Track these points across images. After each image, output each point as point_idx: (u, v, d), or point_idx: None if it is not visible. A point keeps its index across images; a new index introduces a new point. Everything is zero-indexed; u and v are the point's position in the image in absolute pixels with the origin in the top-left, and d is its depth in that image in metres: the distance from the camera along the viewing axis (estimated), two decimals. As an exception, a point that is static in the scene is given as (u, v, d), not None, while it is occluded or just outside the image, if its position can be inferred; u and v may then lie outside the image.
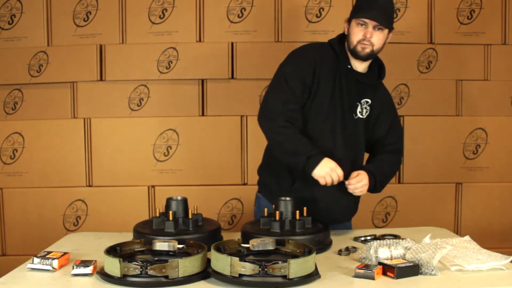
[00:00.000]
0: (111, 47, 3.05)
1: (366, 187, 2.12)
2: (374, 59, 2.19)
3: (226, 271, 1.54)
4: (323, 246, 1.94)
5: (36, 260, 1.69)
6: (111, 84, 3.07)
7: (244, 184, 3.06)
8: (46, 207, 3.02)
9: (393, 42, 3.09)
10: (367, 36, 2.07)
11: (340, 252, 1.90)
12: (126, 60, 3.05)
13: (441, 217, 3.07)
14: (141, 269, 1.55)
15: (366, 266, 1.65)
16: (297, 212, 1.96)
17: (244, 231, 1.96)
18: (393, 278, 1.61)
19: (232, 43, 3.06)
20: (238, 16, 3.08)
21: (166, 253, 1.67)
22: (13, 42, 3.07)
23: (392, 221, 3.09)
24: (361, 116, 2.19)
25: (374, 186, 2.16)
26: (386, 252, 1.73)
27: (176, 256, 1.63)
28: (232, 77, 3.07)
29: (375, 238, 2.10)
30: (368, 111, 2.20)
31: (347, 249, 1.91)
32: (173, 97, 3.08)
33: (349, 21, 2.15)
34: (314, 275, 1.59)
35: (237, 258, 1.53)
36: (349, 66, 2.16)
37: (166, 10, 3.07)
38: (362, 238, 2.10)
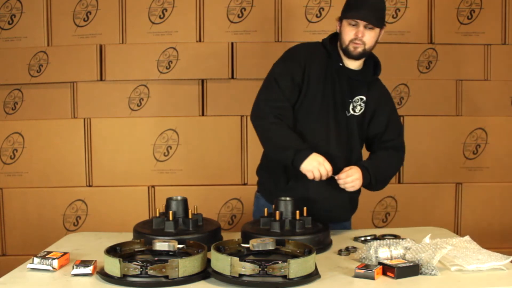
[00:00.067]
0: (111, 47, 3.05)
1: (358, 182, 2.10)
2: (369, 56, 2.19)
3: (226, 271, 1.54)
4: (323, 246, 1.94)
5: (36, 260, 1.69)
6: (111, 84, 3.07)
7: (244, 184, 3.06)
8: (46, 207, 3.02)
9: (393, 42, 3.10)
10: (359, 35, 2.08)
11: (340, 252, 1.90)
12: (126, 60, 3.05)
13: (441, 217, 3.07)
14: (141, 269, 1.55)
15: (366, 266, 1.65)
16: (297, 212, 1.96)
17: (244, 231, 1.96)
18: (393, 278, 1.61)
19: (232, 43, 3.06)
20: (238, 16, 3.08)
21: (166, 253, 1.67)
22: (13, 42, 3.07)
23: (392, 221, 3.09)
24: (354, 114, 2.18)
25: (370, 182, 2.14)
26: (386, 252, 1.73)
27: (176, 256, 1.63)
28: (232, 77, 3.07)
29: (375, 238, 2.10)
30: (363, 108, 2.19)
31: (347, 249, 1.91)
32: (173, 97, 3.08)
33: (340, 20, 2.15)
34: (314, 275, 1.59)
35: (237, 258, 1.53)
36: (340, 64, 2.16)
37: (166, 10, 3.07)
38: (362, 238, 2.10)
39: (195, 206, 2.01)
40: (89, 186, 3.05)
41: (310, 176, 2.05)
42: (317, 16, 3.08)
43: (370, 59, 2.23)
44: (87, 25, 3.07)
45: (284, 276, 1.53)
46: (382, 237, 2.11)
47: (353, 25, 2.09)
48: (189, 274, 1.58)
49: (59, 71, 3.04)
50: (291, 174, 2.15)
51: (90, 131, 3.04)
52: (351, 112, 2.18)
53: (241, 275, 1.53)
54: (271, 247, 1.66)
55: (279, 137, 2.09)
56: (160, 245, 1.67)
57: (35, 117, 3.06)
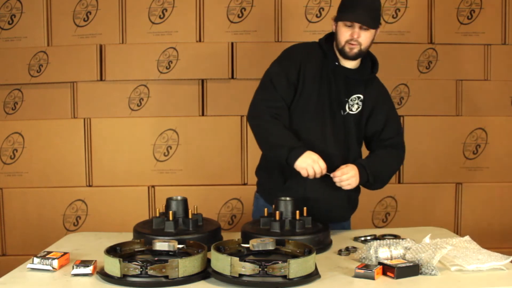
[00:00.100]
0: (111, 47, 3.05)
1: (354, 180, 2.09)
2: (366, 54, 2.19)
3: (226, 271, 1.54)
4: (323, 246, 1.94)
5: (36, 260, 1.69)
6: (111, 84, 3.07)
7: (244, 184, 3.06)
8: (46, 207, 3.02)
9: (393, 42, 3.10)
10: (354, 36, 2.08)
11: (340, 252, 1.90)
12: (126, 60, 3.05)
13: (441, 217, 3.07)
14: (141, 269, 1.55)
15: (366, 266, 1.65)
16: (297, 212, 1.96)
17: (244, 231, 1.96)
18: (393, 278, 1.61)
19: (232, 43, 3.06)
20: (238, 16, 3.08)
21: (166, 253, 1.67)
22: (13, 42, 3.07)
23: (392, 221, 3.09)
24: (351, 112, 2.18)
25: (367, 181, 2.14)
26: (386, 252, 1.73)
27: (176, 256, 1.63)
28: (232, 77, 3.07)
29: (375, 238, 2.10)
30: (360, 106, 2.19)
31: (347, 249, 1.91)
32: (173, 97, 3.08)
33: (335, 21, 2.15)
34: (314, 275, 1.59)
35: (237, 258, 1.53)
36: (336, 63, 2.16)
37: (166, 10, 3.07)
38: (362, 238, 2.10)
39: (195, 206, 2.01)
40: (89, 186, 3.05)
41: (304, 173, 2.05)
42: (317, 16, 3.08)
43: (368, 58, 2.23)
44: (87, 25, 3.07)
45: (284, 276, 1.53)
46: (382, 237, 2.11)
47: (349, 26, 2.09)
48: (189, 274, 1.58)
49: (59, 71, 3.04)
50: (289, 174, 2.16)
51: (90, 131, 3.04)
52: (348, 111, 2.18)
53: (241, 275, 1.53)
54: (271, 247, 1.66)
55: (274, 135, 2.10)
56: (160, 245, 1.67)
57: (35, 117, 3.06)
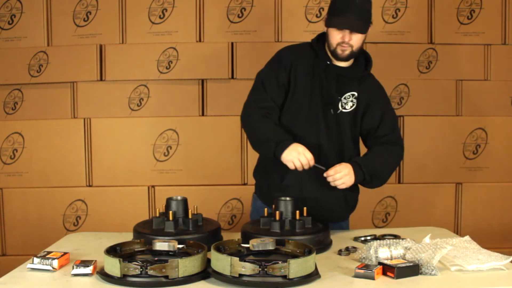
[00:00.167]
0: (111, 47, 3.05)
1: (349, 178, 2.08)
2: (359, 52, 2.18)
3: (226, 271, 1.54)
4: (323, 246, 1.94)
5: (36, 260, 1.69)
6: (111, 84, 3.07)
7: (244, 184, 3.06)
8: (46, 207, 3.02)
9: (393, 42, 3.11)
10: (346, 39, 2.08)
11: (340, 252, 1.90)
12: (126, 60, 3.05)
13: (441, 217, 3.07)
14: (141, 269, 1.55)
15: (366, 266, 1.65)
16: (297, 212, 1.96)
17: (244, 231, 1.96)
18: (393, 278, 1.61)
19: (232, 43, 3.06)
20: (238, 16, 3.08)
21: (166, 253, 1.67)
22: (13, 42, 3.07)
23: (392, 221, 3.09)
24: (344, 111, 2.18)
25: (364, 179, 2.13)
26: (386, 252, 1.73)
27: (176, 256, 1.63)
28: (232, 77, 3.07)
29: (375, 238, 2.10)
30: (355, 104, 2.19)
31: (347, 249, 1.91)
32: (173, 97, 3.08)
33: (326, 25, 2.13)
34: (314, 275, 1.59)
35: (237, 258, 1.53)
36: (328, 62, 2.16)
37: (166, 10, 3.07)
38: (362, 238, 2.10)
39: (195, 206, 2.01)
40: (89, 186, 3.05)
41: (291, 166, 2.04)
42: (317, 16, 3.08)
43: (361, 55, 2.22)
44: (87, 25, 3.07)
45: (284, 276, 1.53)
46: (382, 237, 2.11)
47: (340, 29, 2.08)
48: (189, 274, 1.58)
49: (59, 71, 3.04)
50: (285, 174, 2.16)
51: (90, 131, 3.04)
52: (341, 109, 2.17)
53: (241, 275, 1.53)
54: (271, 247, 1.66)
55: (262, 131, 2.12)
56: (160, 245, 1.67)
57: (35, 117, 3.06)
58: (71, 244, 2.01)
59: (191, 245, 1.74)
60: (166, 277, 1.55)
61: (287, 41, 3.03)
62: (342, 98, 2.17)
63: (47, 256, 1.70)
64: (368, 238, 2.10)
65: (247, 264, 1.53)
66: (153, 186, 3.04)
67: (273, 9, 3.08)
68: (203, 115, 3.09)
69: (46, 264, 1.68)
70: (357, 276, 1.63)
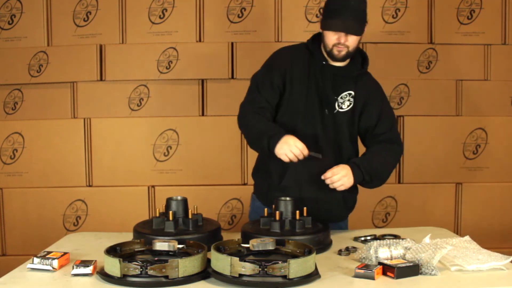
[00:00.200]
0: (111, 47, 3.05)
1: (347, 180, 2.07)
2: (355, 50, 2.17)
3: (226, 271, 1.54)
4: (323, 246, 1.94)
5: (36, 260, 1.69)
6: (111, 84, 3.07)
7: (244, 184, 3.06)
8: (46, 207, 3.02)
9: (393, 42, 3.11)
10: (341, 41, 2.07)
11: (340, 252, 1.90)
12: (126, 60, 3.05)
13: (441, 217, 3.07)
14: (141, 269, 1.55)
15: (366, 266, 1.65)
16: (297, 212, 1.96)
17: (244, 231, 1.96)
18: (393, 278, 1.61)
19: (232, 43, 3.06)
20: (238, 16, 3.08)
21: (166, 253, 1.67)
22: (13, 42, 3.07)
23: (392, 221, 3.09)
24: (341, 110, 2.17)
25: (363, 179, 2.12)
26: (386, 252, 1.73)
27: (176, 256, 1.63)
28: (232, 77, 3.07)
29: (375, 238, 2.10)
30: (352, 103, 2.18)
31: (347, 249, 1.91)
32: (173, 97, 3.08)
33: (322, 28, 2.12)
34: (314, 275, 1.59)
35: (237, 258, 1.53)
36: (324, 63, 2.16)
37: (166, 10, 3.07)
38: (362, 238, 2.10)
39: (195, 206, 2.01)
40: (89, 186, 3.05)
41: (284, 159, 2.03)
42: (317, 16, 3.08)
43: (358, 54, 2.21)
44: (87, 25, 3.07)
45: (284, 276, 1.53)
46: (382, 237, 2.11)
47: (335, 31, 2.07)
48: (189, 274, 1.58)
49: (59, 71, 3.04)
50: (283, 175, 2.17)
51: (90, 131, 3.04)
52: (338, 109, 2.17)
53: (241, 275, 1.53)
54: (271, 247, 1.66)
55: (256, 128, 2.13)
56: (160, 245, 1.67)
57: (35, 117, 3.06)
58: (71, 244, 2.01)
59: (191, 245, 1.74)
60: (166, 277, 1.55)
61: (287, 41, 3.03)
62: (339, 98, 2.17)
63: (47, 256, 1.71)
64: (368, 238, 2.10)
65: (247, 264, 1.53)
66: (153, 186, 3.04)
67: (273, 9, 3.08)
68: (203, 115, 3.10)
69: (46, 264, 1.68)
70: (357, 276, 1.63)
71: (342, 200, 2.21)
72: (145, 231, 1.90)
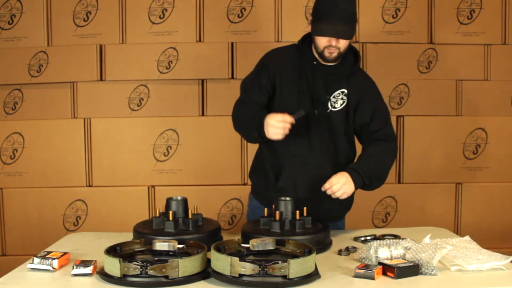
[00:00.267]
0: (111, 47, 3.05)
1: (348, 187, 2.06)
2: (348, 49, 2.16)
3: (226, 271, 1.54)
4: (323, 246, 1.94)
5: (36, 260, 1.69)
6: (111, 84, 3.07)
7: (244, 184, 3.06)
8: (46, 207, 3.02)
9: (393, 42, 3.10)
10: (333, 43, 2.06)
11: (340, 252, 1.90)
12: (126, 60, 3.05)
13: (441, 217, 3.07)
14: (141, 269, 1.55)
15: (366, 266, 1.65)
16: (297, 212, 1.96)
17: (244, 231, 1.96)
18: (393, 278, 1.61)
19: (232, 43, 3.06)
20: (238, 16, 3.08)
21: (166, 253, 1.67)
22: (13, 42, 3.07)
23: (392, 221, 3.09)
24: (334, 109, 2.16)
25: (364, 183, 2.11)
26: (386, 252, 1.73)
27: (176, 256, 1.63)
28: (232, 77, 3.07)
29: (375, 238, 2.10)
30: (345, 101, 2.17)
31: (347, 249, 1.91)
32: (173, 97, 3.08)
33: (313, 33, 2.11)
34: (314, 275, 1.59)
35: (237, 258, 1.53)
36: (314, 63, 2.15)
37: (166, 10, 3.07)
38: (362, 238, 2.10)
39: (195, 206, 2.01)
40: (89, 186, 3.05)
41: (280, 138, 2.03)
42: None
43: (350, 51, 2.19)
44: (87, 25, 3.07)
45: (284, 276, 1.53)
46: (382, 237, 2.11)
47: (326, 36, 2.06)
48: (189, 274, 1.58)
49: (59, 71, 3.04)
50: (279, 175, 2.17)
51: (90, 131, 3.04)
52: (331, 108, 2.16)
53: (241, 275, 1.53)
54: (271, 247, 1.67)
55: (244, 124, 2.16)
56: (160, 245, 1.67)
57: (35, 117, 3.06)
58: (71, 244, 2.01)
59: (191, 245, 1.74)
60: (166, 277, 1.55)
61: (287, 41, 3.02)
62: (331, 97, 2.16)
63: (47, 256, 1.71)
64: (368, 238, 2.10)
65: (247, 264, 1.53)
66: (153, 186, 3.04)
67: (273, 9, 3.08)
68: (203, 115, 3.10)
69: (46, 264, 1.68)
70: (357, 276, 1.63)
71: (338, 200, 2.20)
72: (145, 231, 1.90)
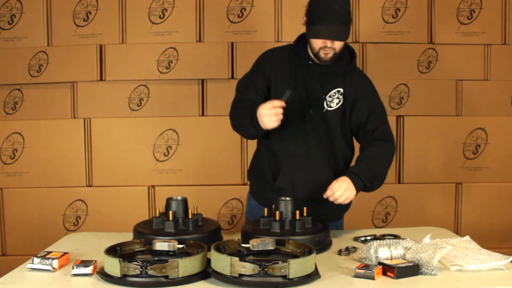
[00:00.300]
0: (111, 47, 3.05)
1: (350, 192, 2.04)
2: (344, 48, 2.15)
3: (226, 271, 1.54)
4: (323, 246, 1.94)
5: (36, 260, 1.69)
6: (111, 84, 3.07)
7: (244, 184, 3.06)
8: (46, 207, 3.02)
9: (393, 42, 3.10)
10: (328, 45, 2.05)
11: (340, 252, 1.90)
12: (126, 60, 3.05)
13: (441, 217, 3.07)
14: (141, 269, 1.55)
15: (366, 266, 1.65)
16: (297, 212, 1.96)
17: (244, 231, 1.96)
18: (393, 278, 1.61)
19: (232, 43, 3.06)
20: (238, 16, 3.08)
21: (166, 253, 1.67)
22: (13, 42, 3.07)
23: (392, 221, 3.09)
24: (330, 109, 2.15)
25: (365, 186, 2.10)
26: (386, 252, 1.73)
27: (176, 256, 1.63)
28: (232, 77, 3.07)
29: (375, 238, 2.10)
30: (341, 100, 2.16)
31: (347, 249, 1.90)
32: (173, 97, 3.08)
33: (308, 35, 2.10)
34: (314, 275, 1.59)
35: (237, 258, 1.53)
36: (310, 62, 2.14)
37: (166, 10, 3.07)
38: (362, 238, 2.10)
39: (195, 206, 2.01)
40: (89, 186, 3.05)
41: (276, 125, 2.02)
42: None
43: (346, 50, 2.18)
44: (87, 25, 3.07)
45: (284, 276, 1.53)
46: (382, 237, 2.10)
47: (321, 39, 2.05)
48: (189, 274, 1.58)
49: (59, 71, 3.04)
50: (277, 175, 2.17)
51: (90, 131, 3.04)
52: (327, 107, 2.15)
53: (241, 275, 1.53)
54: (271, 247, 1.66)
55: (239, 122, 2.17)
56: (160, 245, 1.67)
57: (35, 117, 3.06)
58: (71, 244, 2.01)
59: (191, 245, 1.74)
60: (166, 277, 1.55)
61: (287, 41, 3.01)
62: (327, 97, 2.15)
63: (47, 256, 1.70)
64: (368, 238, 2.10)
65: (247, 264, 1.53)
66: (153, 186, 3.04)
67: (273, 9, 3.08)
68: (203, 115, 3.10)
69: (46, 264, 1.68)
70: (357, 276, 1.63)
71: None
72: (145, 231, 1.90)
